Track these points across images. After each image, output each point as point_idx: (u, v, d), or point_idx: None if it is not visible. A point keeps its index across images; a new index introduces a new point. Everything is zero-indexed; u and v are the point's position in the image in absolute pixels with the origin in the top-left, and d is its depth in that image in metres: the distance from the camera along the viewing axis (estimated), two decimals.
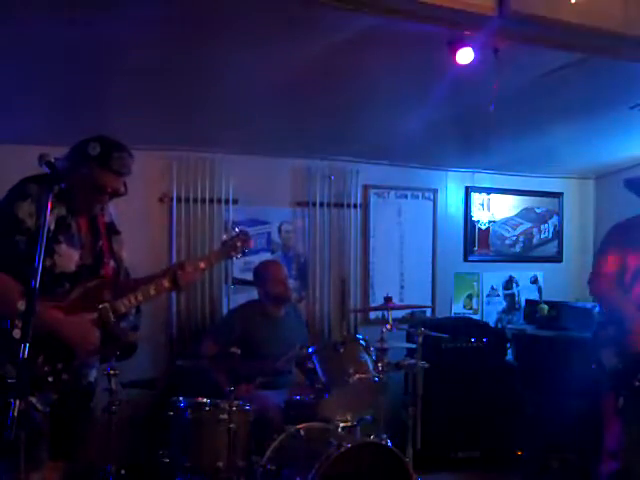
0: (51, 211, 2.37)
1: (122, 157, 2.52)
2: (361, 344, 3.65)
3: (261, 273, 4.43)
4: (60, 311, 2.39)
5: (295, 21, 3.05)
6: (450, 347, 4.86)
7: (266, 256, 4.97)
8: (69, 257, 2.42)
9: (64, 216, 2.45)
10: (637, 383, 3.03)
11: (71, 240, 2.45)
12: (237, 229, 3.12)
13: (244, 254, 3.10)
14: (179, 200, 4.70)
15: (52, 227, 2.41)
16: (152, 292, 2.66)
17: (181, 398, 3.51)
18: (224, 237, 3.08)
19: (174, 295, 4.67)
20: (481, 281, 5.93)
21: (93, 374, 2.62)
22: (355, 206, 5.28)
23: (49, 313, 2.31)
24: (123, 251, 2.78)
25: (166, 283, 2.70)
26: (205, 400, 3.46)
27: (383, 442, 3.42)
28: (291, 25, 3.10)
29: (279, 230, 5.10)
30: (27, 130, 3.95)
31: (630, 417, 3.13)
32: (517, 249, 6.06)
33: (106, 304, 2.52)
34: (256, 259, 4.90)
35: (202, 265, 2.85)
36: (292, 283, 4.72)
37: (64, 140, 4.03)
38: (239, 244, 3.03)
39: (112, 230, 2.75)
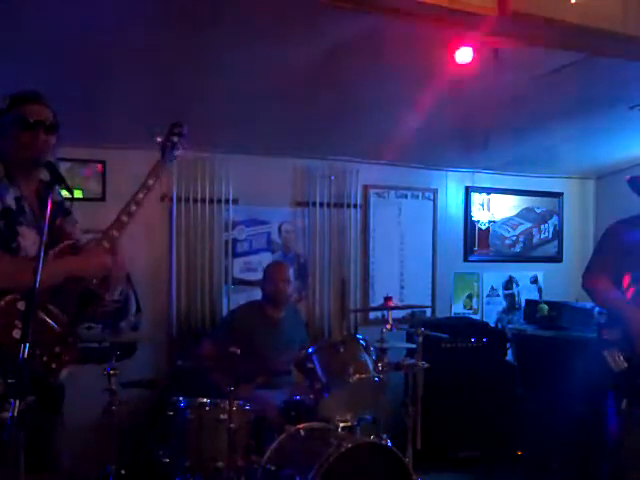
0: (8, 194, 2.32)
1: (33, 90, 2.42)
2: (361, 344, 3.64)
3: (265, 272, 4.43)
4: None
5: (295, 21, 3.06)
6: (450, 347, 4.87)
7: (266, 256, 4.98)
8: (31, 238, 2.34)
9: (19, 197, 2.37)
10: None
11: (28, 221, 2.37)
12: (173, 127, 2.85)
13: (183, 144, 2.77)
14: (179, 200, 4.70)
15: (14, 207, 2.34)
16: (133, 208, 2.61)
17: (181, 398, 3.51)
18: (158, 139, 2.74)
19: (174, 295, 4.68)
20: (481, 281, 5.93)
21: (63, 373, 2.54)
22: (355, 206, 5.28)
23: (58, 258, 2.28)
24: (77, 231, 2.63)
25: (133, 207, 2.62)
26: (205, 400, 3.46)
27: (383, 442, 3.42)
28: (291, 25, 3.11)
29: (279, 230, 5.10)
30: None
31: (633, 419, 3.12)
32: (517, 249, 6.07)
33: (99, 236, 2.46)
34: (256, 259, 4.92)
35: (150, 182, 2.69)
36: (292, 283, 4.68)
37: (63, 140, 4.02)
38: (175, 139, 2.74)
39: (62, 210, 2.58)
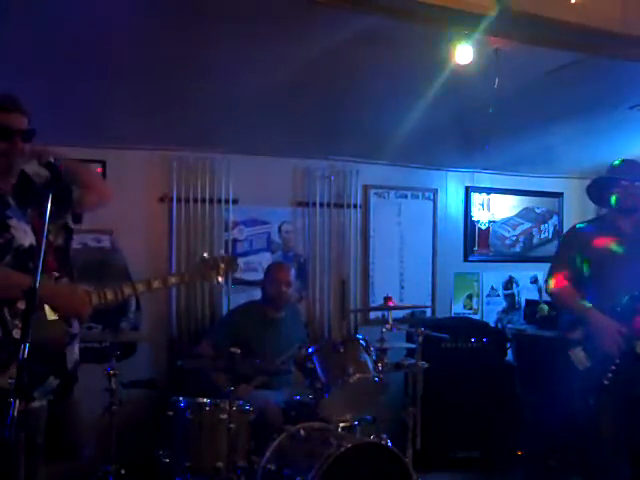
0: None
1: (8, 96, 2.41)
2: (361, 344, 3.64)
3: (266, 273, 4.44)
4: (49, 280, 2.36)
5: (295, 21, 3.06)
6: (450, 347, 4.86)
7: (266, 256, 4.98)
8: (23, 230, 2.39)
9: (0, 195, 2.41)
10: (606, 382, 3.09)
11: (17, 214, 2.41)
12: (225, 253, 2.93)
13: (226, 278, 2.89)
14: (179, 200, 4.69)
15: None
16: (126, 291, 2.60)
17: (181, 398, 3.52)
18: (205, 255, 2.85)
19: (174, 295, 4.68)
20: (481, 281, 5.93)
21: (74, 354, 2.57)
22: (355, 206, 5.28)
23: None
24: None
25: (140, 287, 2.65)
26: (205, 400, 3.47)
27: (383, 442, 3.41)
28: (291, 25, 3.11)
29: (279, 230, 5.09)
30: None
31: (600, 415, 3.17)
32: (517, 249, 6.06)
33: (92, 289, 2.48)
34: (256, 259, 4.91)
35: (173, 280, 2.78)
36: (294, 285, 4.66)
37: (64, 140, 4.02)
38: (222, 265, 2.80)
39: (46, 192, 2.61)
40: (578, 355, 3.17)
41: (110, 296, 2.51)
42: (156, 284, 2.63)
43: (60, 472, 2.53)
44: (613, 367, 3.09)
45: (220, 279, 2.81)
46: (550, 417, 4.48)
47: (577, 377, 3.23)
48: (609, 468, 3.24)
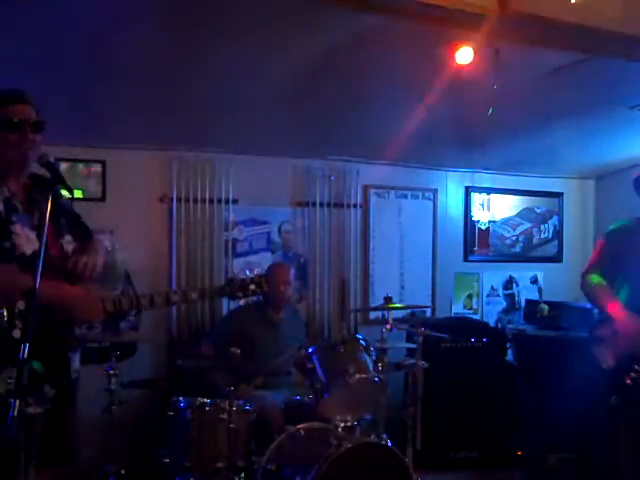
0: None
1: (16, 89, 2.41)
2: (361, 344, 3.64)
3: (266, 273, 4.42)
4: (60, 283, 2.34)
5: (295, 20, 3.06)
6: (450, 347, 4.86)
7: (266, 256, 4.98)
8: (26, 236, 2.35)
9: (8, 197, 2.37)
10: (629, 382, 3.07)
11: (23, 219, 2.37)
12: (254, 272, 2.89)
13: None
14: (179, 200, 4.70)
15: (2, 209, 2.34)
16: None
17: (181, 398, 3.52)
18: (236, 277, 2.81)
19: None
20: (481, 281, 5.93)
21: (76, 362, 2.56)
22: (355, 206, 5.28)
23: (47, 284, 2.13)
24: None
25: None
26: (205, 400, 3.47)
27: (383, 442, 3.42)
28: (291, 24, 3.11)
29: (279, 230, 5.10)
30: None
31: (622, 415, 3.16)
32: (517, 249, 6.06)
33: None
34: (256, 259, 4.92)
35: (193, 296, 2.68)
36: (293, 285, 4.65)
37: (65, 140, 4.04)
38: (252, 287, 2.77)
39: (64, 209, 2.56)
40: (603, 353, 3.14)
41: (125, 306, 2.50)
42: (175, 298, 2.61)
43: (60, 473, 2.52)
44: (637, 367, 3.04)
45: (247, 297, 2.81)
46: (550, 417, 4.48)
47: (600, 376, 3.19)
48: (620, 466, 3.22)
